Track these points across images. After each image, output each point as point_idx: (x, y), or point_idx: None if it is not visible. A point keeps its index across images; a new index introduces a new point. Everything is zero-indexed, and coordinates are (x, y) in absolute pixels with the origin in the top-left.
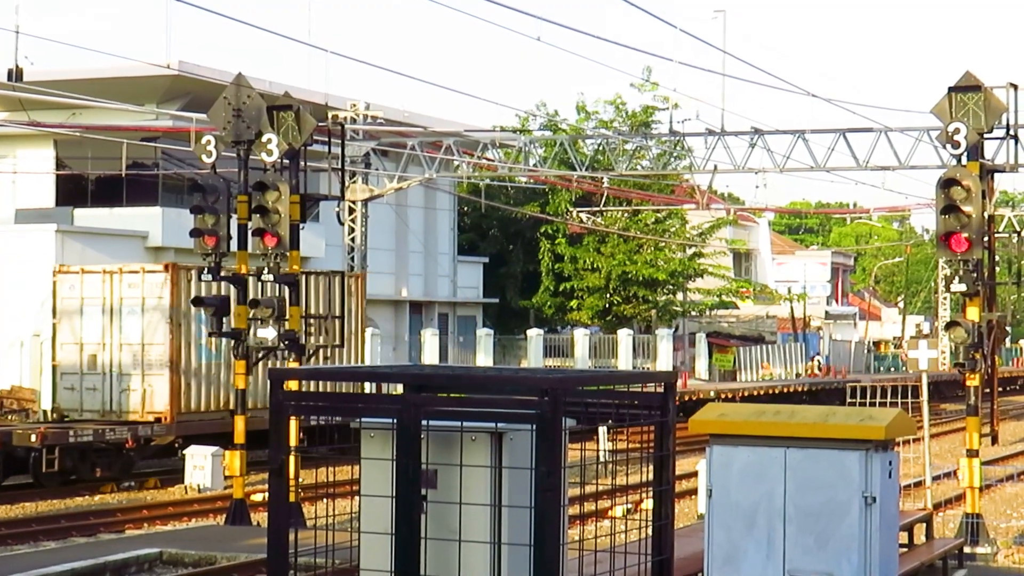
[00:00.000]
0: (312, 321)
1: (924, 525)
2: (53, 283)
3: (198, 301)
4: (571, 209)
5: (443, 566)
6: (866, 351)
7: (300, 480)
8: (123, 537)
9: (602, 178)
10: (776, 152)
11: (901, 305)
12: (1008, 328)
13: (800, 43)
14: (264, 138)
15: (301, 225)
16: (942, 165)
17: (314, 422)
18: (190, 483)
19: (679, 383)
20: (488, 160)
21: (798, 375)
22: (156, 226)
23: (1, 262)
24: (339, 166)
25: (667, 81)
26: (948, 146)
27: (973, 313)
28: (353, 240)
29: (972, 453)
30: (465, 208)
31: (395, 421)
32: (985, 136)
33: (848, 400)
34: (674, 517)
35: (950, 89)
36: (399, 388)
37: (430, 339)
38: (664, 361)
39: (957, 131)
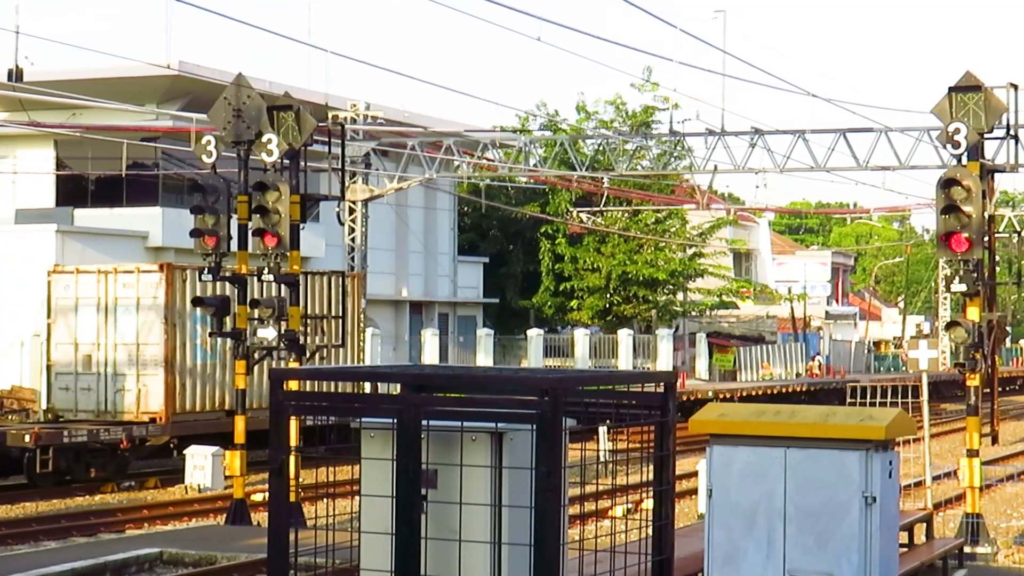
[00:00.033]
0: (309, 321)
1: (924, 525)
2: (48, 283)
3: (198, 301)
4: (571, 209)
5: (443, 566)
6: (866, 351)
7: (300, 480)
8: (123, 537)
9: (602, 178)
10: (776, 152)
11: (901, 305)
12: (1008, 328)
13: (800, 43)
14: (264, 138)
15: (301, 225)
16: (942, 165)
17: (310, 422)
18: (190, 483)
19: (677, 383)
20: (488, 160)
21: (798, 375)
22: (156, 226)
23: (1, 262)
24: (339, 166)
25: (667, 81)
26: (948, 146)
27: (973, 313)
28: (353, 240)
29: (972, 453)
30: (465, 208)
31: (395, 421)
32: (985, 136)
33: (848, 400)
34: (674, 517)
35: (950, 89)
36: (397, 388)
37: (430, 339)
38: (664, 361)
39: (957, 131)
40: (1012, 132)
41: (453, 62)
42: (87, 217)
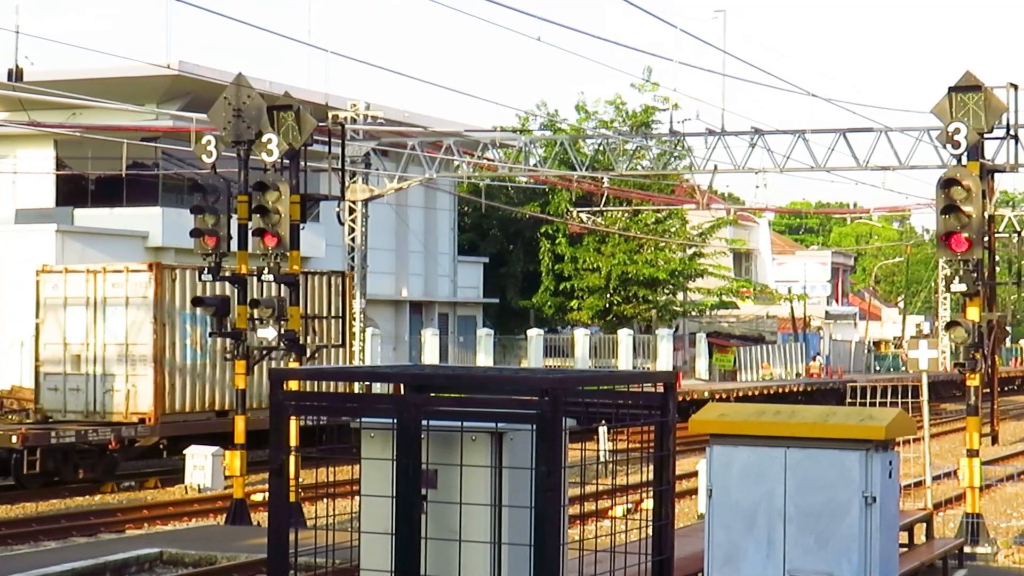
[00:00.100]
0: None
1: (924, 525)
2: (36, 283)
3: (198, 301)
4: (571, 209)
5: (443, 566)
6: (866, 351)
7: (300, 480)
8: (123, 537)
9: (602, 178)
10: (776, 152)
11: (901, 305)
12: (1008, 328)
13: (800, 43)
14: (264, 138)
15: (301, 225)
16: (942, 165)
17: (304, 422)
18: (190, 483)
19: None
20: (488, 160)
21: (798, 375)
22: (156, 226)
23: (1, 262)
24: (339, 166)
25: (667, 81)
26: (948, 146)
27: (973, 313)
28: (353, 240)
29: (972, 453)
30: (465, 208)
31: (395, 421)
32: (985, 136)
33: (848, 400)
34: (674, 517)
35: (950, 89)
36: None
37: (430, 339)
38: (664, 361)
39: (957, 131)
40: (1012, 132)
41: (453, 62)
42: (87, 217)
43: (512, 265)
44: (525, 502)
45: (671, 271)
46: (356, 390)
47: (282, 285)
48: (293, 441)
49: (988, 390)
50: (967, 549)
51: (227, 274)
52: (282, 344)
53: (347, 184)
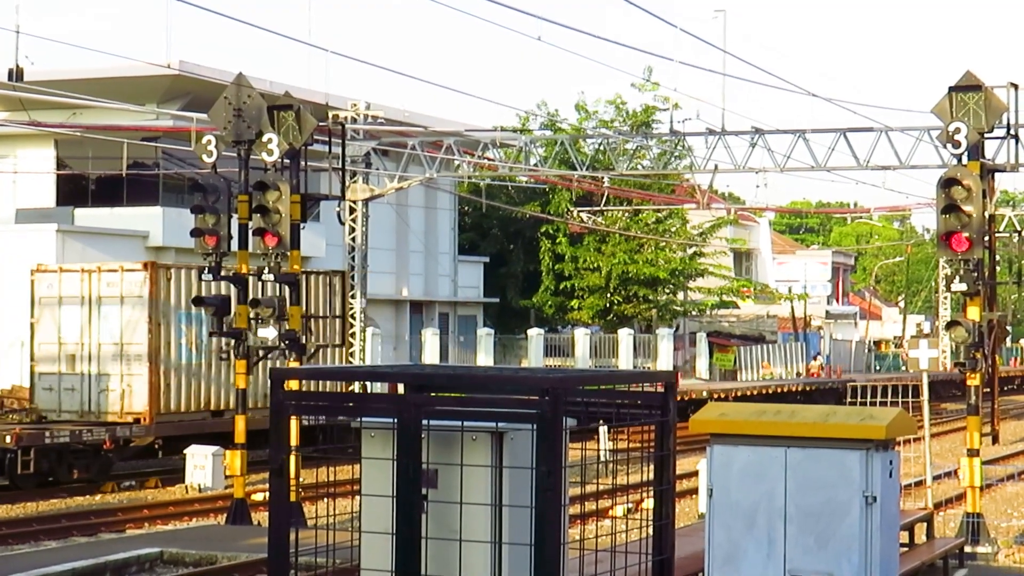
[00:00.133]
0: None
1: (925, 525)
2: (31, 282)
3: (199, 301)
4: (571, 209)
5: (444, 566)
6: (867, 351)
7: (301, 480)
8: (124, 537)
9: (602, 178)
10: (776, 152)
11: (902, 305)
12: (1008, 327)
13: (800, 43)
14: (265, 138)
15: (302, 225)
16: (943, 165)
17: (307, 422)
18: (191, 483)
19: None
20: (488, 160)
21: (799, 375)
22: (157, 226)
23: (1, 262)
24: (339, 166)
25: (667, 81)
26: (949, 146)
27: (974, 312)
28: (354, 240)
29: (973, 452)
30: (465, 208)
31: (396, 421)
32: (986, 136)
33: (848, 400)
34: (674, 517)
35: (950, 89)
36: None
37: (430, 339)
38: (664, 361)
39: (958, 131)
40: (1012, 132)
41: (453, 62)
42: (87, 217)
43: (512, 265)
44: (525, 502)
45: (671, 270)
46: (353, 390)
47: (282, 285)
48: (293, 441)
49: (988, 390)
50: (968, 549)
51: (228, 274)
52: (282, 344)
53: (347, 184)
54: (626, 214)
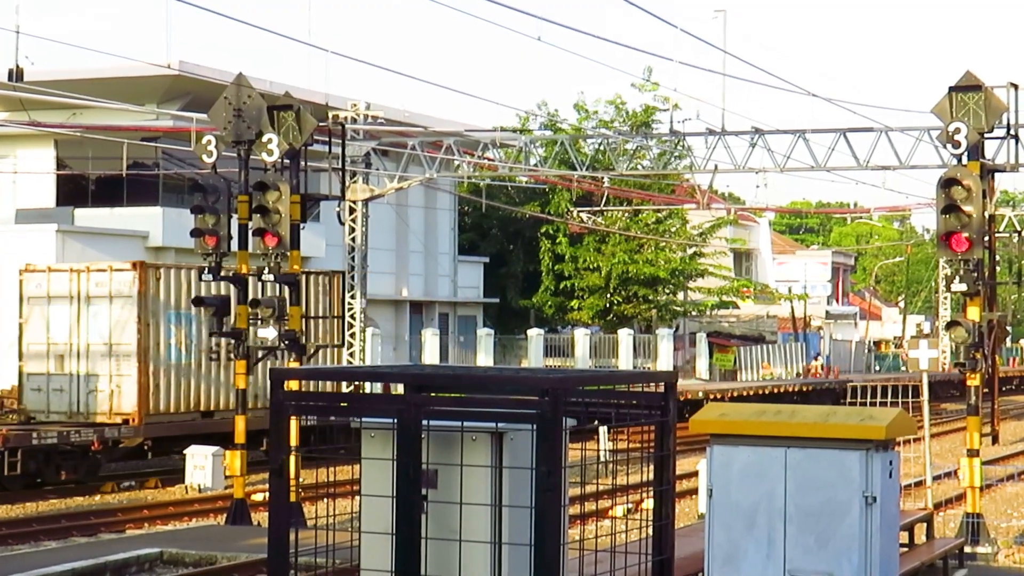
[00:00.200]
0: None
1: (925, 525)
2: (19, 282)
3: (199, 301)
4: (571, 209)
5: (443, 566)
6: (867, 351)
7: (300, 480)
8: (124, 537)
9: (602, 178)
10: (776, 152)
11: (902, 305)
12: (1008, 328)
13: (800, 43)
14: (265, 138)
15: (301, 225)
16: (942, 165)
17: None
18: (190, 483)
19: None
20: (488, 160)
21: (798, 375)
22: (156, 226)
23: (1, 262)
24: (339, 166)
25: (667, 81)
26: (949, 146)
27: (974, 313)
28: (353, 240)
29: (973, 453)
30: (465, 208)
31: (396, 421)
32: (985, 136)
33: (848, 400)
34: (674, 517)
35: (950, 89)
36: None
37: (430, 339)
38: (664, 361)
39: (957, 131)
40: (1012, 132)
41: (453, 62)
42: (87, 217)
43: (512, 265)
44: (525, 502)
45: (671, 270)
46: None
47: (282, 285)
48: (293, 441)
49: (988, 390)
50: (967, 549)
51: (228, 274)
52: (282, 344)
53: (347, 184)
54: (626, 214)
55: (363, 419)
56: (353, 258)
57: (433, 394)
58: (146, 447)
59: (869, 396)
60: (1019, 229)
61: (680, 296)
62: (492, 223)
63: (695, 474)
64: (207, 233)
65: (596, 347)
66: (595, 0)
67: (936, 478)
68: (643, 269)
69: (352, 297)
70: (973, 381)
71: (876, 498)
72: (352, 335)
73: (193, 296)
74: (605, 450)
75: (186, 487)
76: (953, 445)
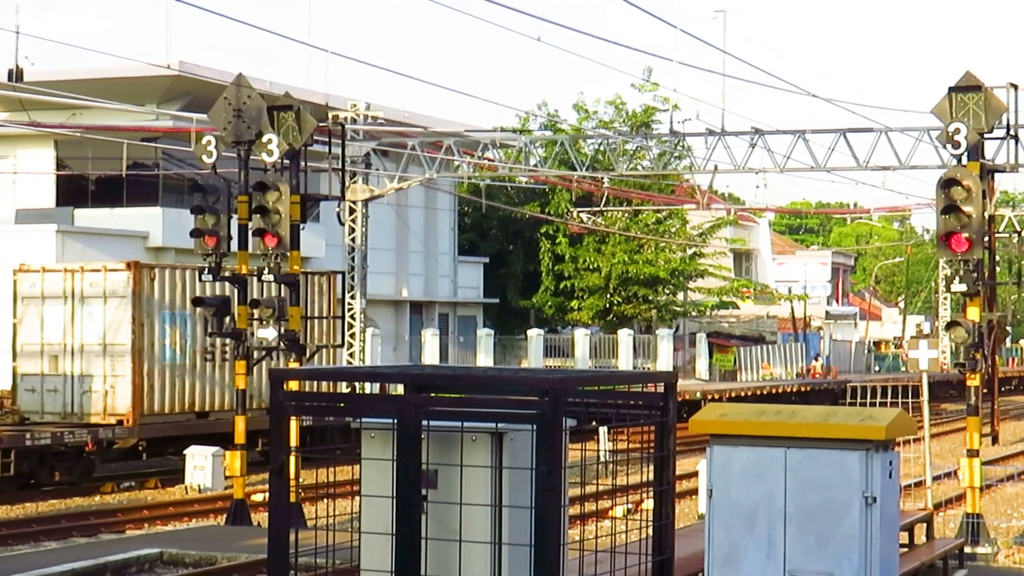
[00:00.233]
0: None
1: (924, 525)
2: (13, 282)
3: (199, 301)
4: (571, 209)
5: (443, 566)
6: (866, 351)
7: (300, 480)
8: (124, 537)
9: (602, 178)
10: (776, 152)
11: (901, 305)
12: (1008, 328)
13: (800, 43)
14: (264, 138)
15: (301, 225)
16: (942, 165)
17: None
18: (190, 483)
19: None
20: (488, 160)
21: (799, 375)
22: (156, 226)
23: (1, 262)
24: (339, 166)
25: (667, 81)
26: (948, 146)
27: (973, 313)
28: (353, 240)
29: (972, 453)
30: (465, 208)
31: (395, 421)
32: (985, 136)
33: (848, 400)
34: (674, 517)
35: (950, 89)
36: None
37: (430, 339)
38: (664, 361)
39: (957, 131)
40: (1012, 132)
41: (453, 62)
42: (87, 217)
43: (512, 265)
44: (525, 502)
45: (671, 271)
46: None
47: (282, 285)
48: (293, 441)
49: (987, 390)
50: (967, 549)
51: (227, 274)
52: (282, 344)
53: (347, 184)
54: (626, 214)
55: (363, 419)
56: (353, 258)
57: (433, 394)
58: (140, 448)
59: (869, 396)
60: (1019, 229)
61: (680, 296)
62: (492, 223)
63: (695, 474)
64: (207, 233)
65: (596, 347)
66: (595, 0)
67: (936, 478)
68: (643, 269)
69: (352, 297)
70: (973, 381)
71: (876, 498)
72: (352, 335)
73: (193, 296)
74: (605, 450)
75: (186, 487)
76: (953, 445)
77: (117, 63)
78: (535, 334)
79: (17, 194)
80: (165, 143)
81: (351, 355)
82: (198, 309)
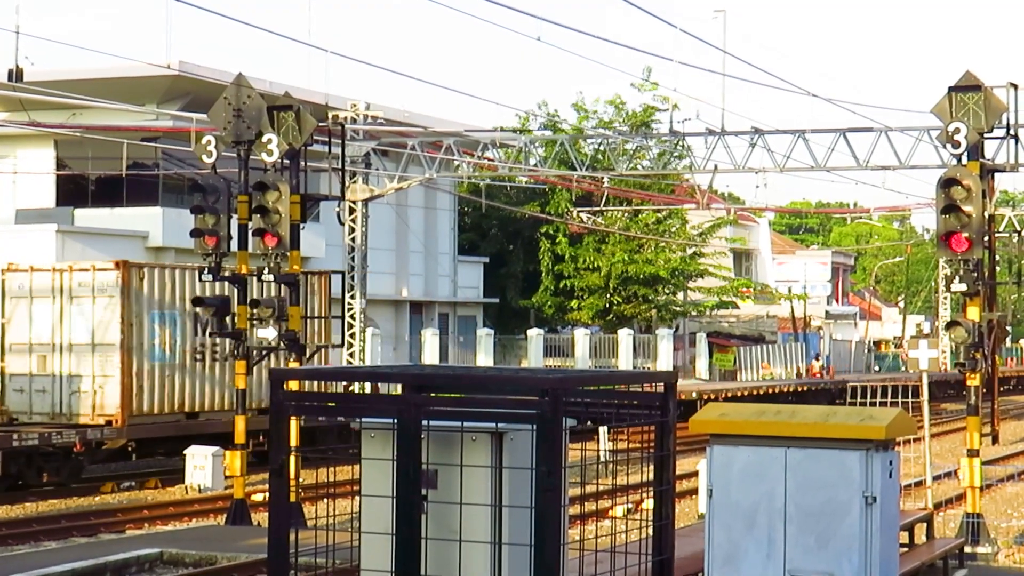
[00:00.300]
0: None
1: (925, 525)
2: (1, 281)
3: (199, 301)
4: (571, 209)
5: (443, 566)
6: (866, 351)
7: (300, 480)
8: (124, 537)
9: (602, 178)
10: (776, 152)
11: (901, 305)
12: (1008, 328)
13: (800, 43)
14: (264, 138)
15: (301, 225)
16: (942, 165)
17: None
18: (191, 483)
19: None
20: (488, 160)
21: (799, 375)
22: (156, 226)
23: (1, 263)
24: (339, 166)
25: (667, 81)
26: (948, 146)
27: (973, 313)
28: (353, 240)
29: (973, 453)
30: (465, 208)
31: (395, 421)
32: (985, 136)
33: (848, 400)
34: (674, 517)
35: (950, 89)
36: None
37: (430, 339)
38: (664, 361)
39: (957, 131)
40: (1012, 132)
41: (453, 62)
42: (87, 217)
43: (512, 265)
44: (525, 502)
45: (671, 270)
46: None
47: (282, 285)
48: (293, 441)
49: (987, 390)
50: (968, 549)
51: (227, 274)
52: (282, 344)
53: (347, 184)
54: (626, 214)
55: (363, 419)
56: (353, 258)
57: (433, 394)
58: (130, 448)
59: (868, 396)
60: (1019, 229)
61: (680, 296)
62: (492, 223)
63: (695, 474)
64: (207, 233)
65: (596, 347)
66: (595, 0)
67: (936, 478)
68: (643, 269)
69: (352, 297)
70: (973, 381)
71: (876, 498)
72: (352, 335)
73: (190, 297)
74: (605, 450)
75: (186, 487)
76: (953, 445)
77: (117, 63)
78: (535, 334)
79: (17, 194)
80: (165, 143)
81: (351, 355)
82: (197, 309)
